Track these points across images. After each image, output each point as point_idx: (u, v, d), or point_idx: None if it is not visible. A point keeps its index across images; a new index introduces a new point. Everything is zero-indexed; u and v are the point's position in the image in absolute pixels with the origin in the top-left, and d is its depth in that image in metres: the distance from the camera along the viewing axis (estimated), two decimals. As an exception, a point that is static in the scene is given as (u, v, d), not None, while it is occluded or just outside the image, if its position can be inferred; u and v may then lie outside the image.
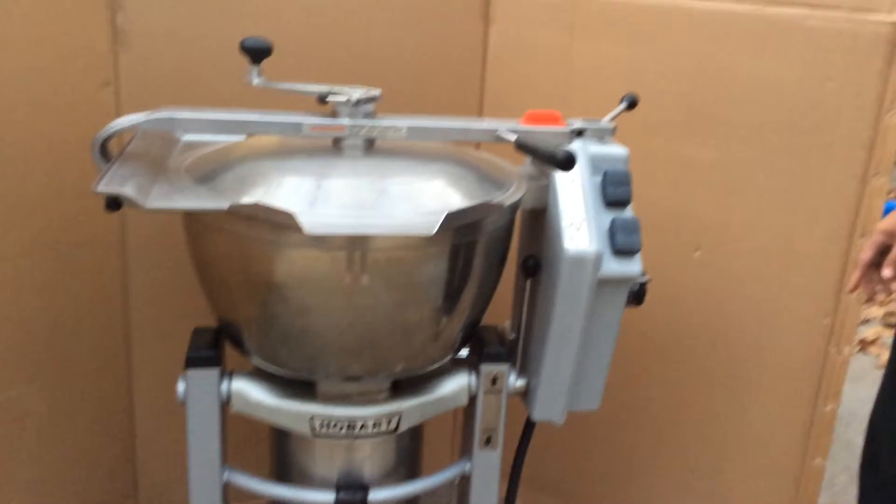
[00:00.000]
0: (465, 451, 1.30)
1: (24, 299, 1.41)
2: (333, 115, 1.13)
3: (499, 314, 1.33)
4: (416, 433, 1.30)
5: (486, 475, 1.28)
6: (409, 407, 1.20)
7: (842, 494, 2.09)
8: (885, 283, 1.13)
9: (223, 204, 0.97)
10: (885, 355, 1.55)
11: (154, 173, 1.06)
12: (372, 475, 1.24)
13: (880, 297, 1.16)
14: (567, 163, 1.02)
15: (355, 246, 1.01)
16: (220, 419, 1.18)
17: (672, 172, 1.52)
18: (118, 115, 1.41)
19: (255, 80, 1.12)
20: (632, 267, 1.15)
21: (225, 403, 1.17)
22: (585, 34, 1.55)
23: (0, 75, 1.28)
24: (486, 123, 1.19)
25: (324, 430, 1.17)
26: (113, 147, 1.15)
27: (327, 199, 1.04)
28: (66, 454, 1.56)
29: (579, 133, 1.19)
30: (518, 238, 1.27)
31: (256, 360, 1.17)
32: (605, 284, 1.15)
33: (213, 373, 1.15)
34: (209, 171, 1.09)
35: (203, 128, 1.10)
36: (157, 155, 1.15)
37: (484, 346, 1.23)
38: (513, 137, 1.11)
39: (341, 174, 1.09)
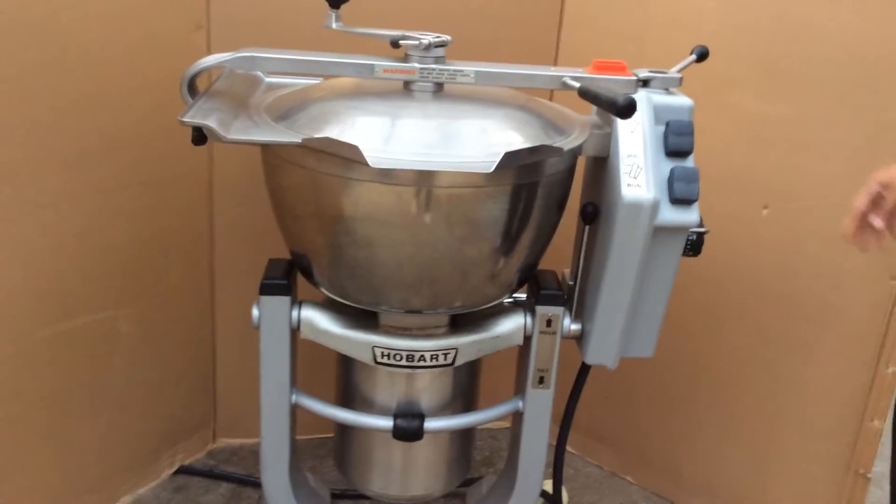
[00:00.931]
0: (519, 389, 1.36)
1: (118, 228, 1.51)
2: (405, 59, 1.18)
3: (561, 262, 1.37)
4: (473, 369, 1.36)
5: (538, 413, 1.33)
6: (466, 342, 1.26)
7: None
8: (878, 234, 1.08)
9: (296, 138, 1.03)
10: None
11: (236, 110, 1.14)
12: (429, 405, 1.31)
13: (872, 247, 1.10)
14: (627, 109, 1.04)
15: (419, 182, 1.06)
16: (290, 344, 1.26)
17: (744, 128, 1.51)
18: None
19: (334, 25, 1.19)
20: (689, 216, 1.16)
21: (295, 329, 1.25)
22: (662, -14, 1.56)
23: (101, 18, 1.37)
24: (552, 71, 1.21)
25: (385, 359, 1.24)
26: (201, 85, 1.23)
27: (396, 138, 1.09)
28: (152, 377, 1.67)
29: (645, 83, 1.21)
30: (581, 185, 1.31)
31: (324, 290, 1.24)
32: (662, 232, 1.17)
33: (284, 300, 1.23)
34: (287, 110, 1.15)
35: (282, 67, 1.16)
36: (240, 94, 1.23)
37: (541, 289, 1.27)
38: (577, 84, 1.14)
39: (410, 115, 1.14)
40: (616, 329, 1.25)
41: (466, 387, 1.36)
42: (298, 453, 1.42)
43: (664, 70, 1.23)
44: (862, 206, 1.08)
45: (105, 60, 1.40)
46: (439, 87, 1.20)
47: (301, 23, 1.49)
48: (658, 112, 1.17)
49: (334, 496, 1.66)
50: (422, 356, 1.23)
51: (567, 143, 1.12)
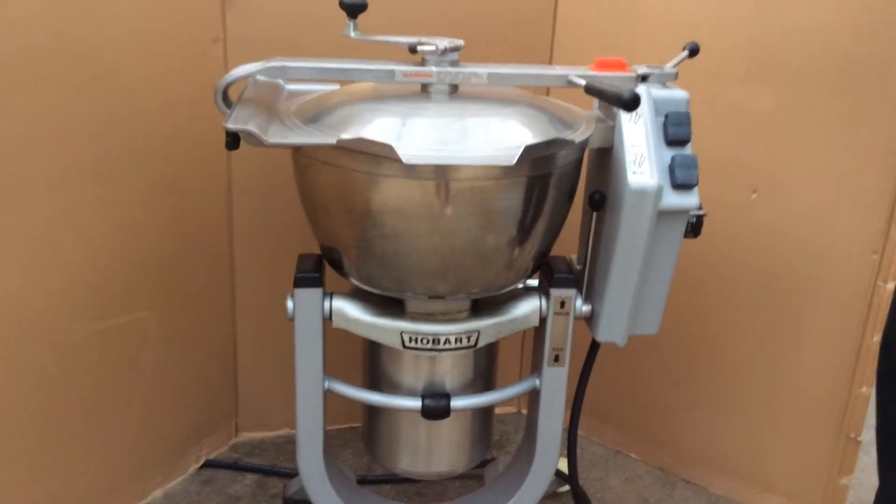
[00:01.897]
0: (535, 367, 1.45)
1: (145, 235, 1.59)
2: (422, 63, 1.27)
3: (567, 248, 1.46)
4: (491, 350, 1.46)
5: (554, 389, 1.42)
6: (487, 325, 1.35)
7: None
8: None
9: (331, 139, 1.12)
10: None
11: (268, 115, 1.22)
12: (453, 385, 1.40)
13: None
14: (632, 103, 1.14)
15: (442, 176, 1.15)
16: (322, 334, 1.34)
17: (731, 118, 1.62)
18: (227, 69, 1.59)
19: (353, 34, 1.27)
20: (690, 200, 1.27)
21: (327, 319, 1.34)
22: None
23: (127, 39, 1.45)
24: (558, 70, 1.31)
25: (412, 343, 1.33)
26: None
27: (417, 136, 1.18)
28: (178, 375, 1.75)
29: (644, 78, 1.31)
30: (586, 175, 1.40)
31: (354, 281, 1.33)
32: (665, 216, 1.27)
33: (317, 292, 1.31)
34: (314, 114, 1.24)
35: (309, 74, 1.25)
36: (268, 101, 1.31)
37: (554, 273, 1.36)
38: (582, 82, 1.24)
39: (430, 114, 1.23)
40: (624, 308, 1.34)
41: (486, 368, 1.45)
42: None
43: (661, 66, 1.33)
44: None
45: (131, 78, 1.48)
46: (454, 88, 1.29)
47: (314, 32, 1.58)
48: (658, 105, 1.27)
49: (357, 481, 1.74)
50: (447, 339, 1.32)
51: (578, 136, 1.22)
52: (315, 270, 1.32)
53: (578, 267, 1.43)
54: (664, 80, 1.32)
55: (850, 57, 1.48)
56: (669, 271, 1.35)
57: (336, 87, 1.42)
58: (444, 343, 1.33)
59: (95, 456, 1.59)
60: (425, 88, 1.29)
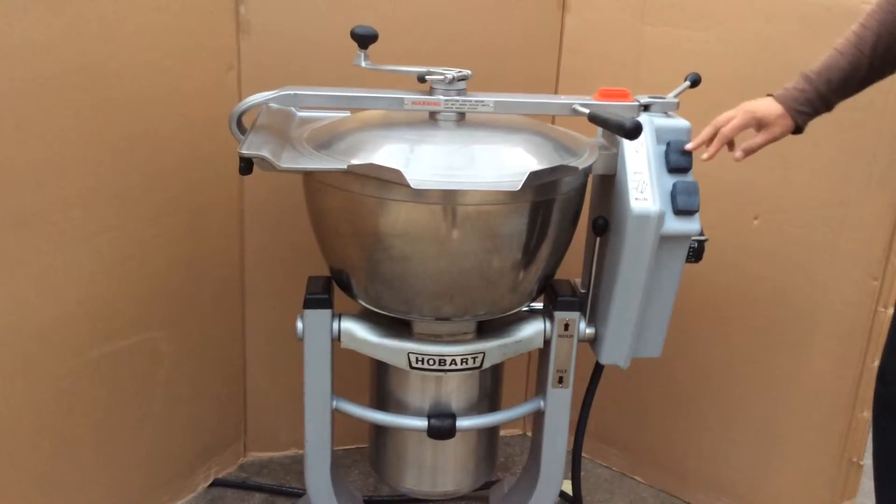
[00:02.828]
0: (540, 389, 1.47)
1: (160, 255, 1.62)
2: (430, 91, 1.31)
3: (571, 271, 1.49)
4: (497, 372, 1.48)
5: (558, 410, 1.45)
6: (492, 347, 1.38)
7: None
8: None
9: (342, 165, 1.16)
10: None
11: (281, 142, 1.26)
12: (459, 406, 1.43)
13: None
14: (634, 131, 1.17)
15: (449, 201, 1.19)
16: (331, 354, 1.37)
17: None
18: (240, 96, 1.64)
19: (363, 63, 1.31)
20: (691, 225, 1.30)
21: (335, 340, 1.37)
22: (654, 19, 1.70)
23: (144, 65, 1.50)
24: (563, 99, 1.35)
25: (418, 364, 1.35)
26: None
27: (425, 162, 1.22)
28: (189, 394, 1.78)
29: (646, 107, 1.35)
30: (589, 200, 1.44)
31: (362, 302, 1.36)
32: (667, 241, 1.30)
33: (326, 313, 1.35)
34: (325, 140, 1.28)
35: (321, 102, 1.29)
36: (280, 127, 1.35)
37: (558, 296, 1.39)
38: (586, 111, 1.27)
39: (438, 141, 1.27)
40: (628, 331, 1.37)
41: (491, 389, 1.48)
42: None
43: (662, 95, 1.37)
44: (729, 131, 1.32)
45: (148, 102, 1.52)
46: (461, 116, 1.33)
47: (325, 62, 1.63)
48: (659, 133, 1.31)
49: (364, 502, 1.76)
50: (452, 360, 1.35)
51: (581, 163, 1.25)
52: (324, 292, 1.35)
53: (582, 290, 1.46)
54: (666, 110, 1.35)
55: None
56: (672, 295, 1.37)
57: (346, 114, 1.46)
58: (451, 364, 1.36)
59: (107, 472, 1.61)
60: (433, 116, 1.33)
